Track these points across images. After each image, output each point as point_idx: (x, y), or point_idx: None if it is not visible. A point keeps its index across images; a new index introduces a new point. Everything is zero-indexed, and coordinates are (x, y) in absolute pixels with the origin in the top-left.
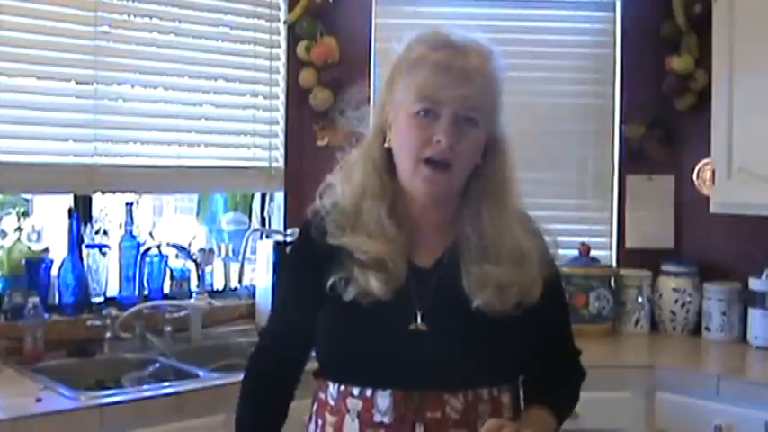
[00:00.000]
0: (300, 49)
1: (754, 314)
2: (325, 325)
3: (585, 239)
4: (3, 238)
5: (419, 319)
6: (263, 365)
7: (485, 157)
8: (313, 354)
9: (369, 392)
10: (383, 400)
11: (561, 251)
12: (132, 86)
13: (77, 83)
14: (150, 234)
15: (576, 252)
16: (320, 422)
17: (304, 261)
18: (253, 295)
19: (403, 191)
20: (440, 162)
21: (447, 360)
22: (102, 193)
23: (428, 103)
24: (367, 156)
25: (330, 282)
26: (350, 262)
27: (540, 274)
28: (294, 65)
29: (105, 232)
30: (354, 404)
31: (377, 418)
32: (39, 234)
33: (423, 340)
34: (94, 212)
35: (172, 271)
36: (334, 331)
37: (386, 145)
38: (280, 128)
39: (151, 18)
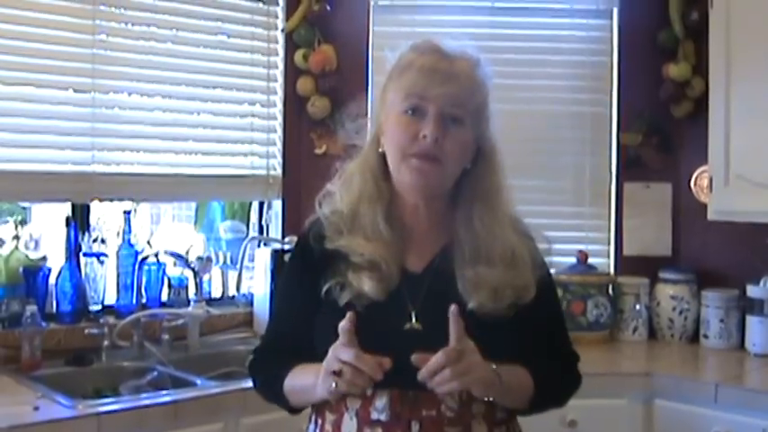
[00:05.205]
0: (298, 56)
1: (752, 321)
2: (323, 329)
3: (583, 247)
4: (0, 246)
5: (413, 319)
6: (264, 358)
7: (476, 162)
8: None
9: (369, 392)
10: (380, 398)
11: (559, 259)
12: (130, 95)
13: (75, 91)
14: (148, 242)
15: (573, 259)
16: (320, 421)
17: (302, 267)
18: (251, 303)
19: (398, 195)
20: (427, 155)
21: None
22: (100, 201)
23: (414, 101)
24: (364, 162)
25: (326, 287)
26: (345, 267)
27: (533, 277)
28: (292, 73)
29: (103, 240)
30: (353, 403)
31: (374, 415)
32: (36, 242)
33: (418, 339)
34: (92, 221)
35: (170, 279)
36: (332, 335)
37: (380, 150)
38: (277, 136)
39: (149, 27)
